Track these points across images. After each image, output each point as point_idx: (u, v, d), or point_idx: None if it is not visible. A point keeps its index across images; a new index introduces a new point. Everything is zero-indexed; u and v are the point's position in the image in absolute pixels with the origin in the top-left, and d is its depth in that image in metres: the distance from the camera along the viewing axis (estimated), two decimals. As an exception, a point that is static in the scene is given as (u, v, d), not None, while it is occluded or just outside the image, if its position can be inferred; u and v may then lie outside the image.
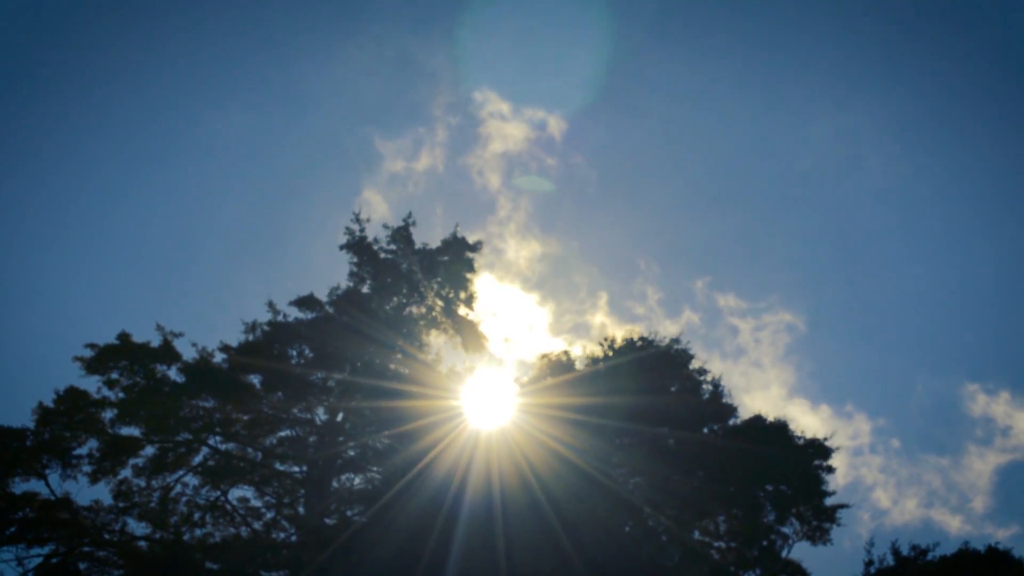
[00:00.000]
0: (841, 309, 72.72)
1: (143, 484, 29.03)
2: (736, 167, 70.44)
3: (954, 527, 58.90)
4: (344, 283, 31.97)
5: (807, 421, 63.36)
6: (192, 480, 29.63)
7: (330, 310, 30.43)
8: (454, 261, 32.34)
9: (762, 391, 66.12)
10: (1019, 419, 62.68)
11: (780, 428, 29.40)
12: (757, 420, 29.33)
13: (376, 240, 32.68)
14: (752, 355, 66.23)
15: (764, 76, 66.80)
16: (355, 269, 32.15)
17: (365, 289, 31.99)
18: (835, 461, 29.87)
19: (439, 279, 32.38)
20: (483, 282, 32.81)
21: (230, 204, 68.45)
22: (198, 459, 29.54)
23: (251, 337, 30.03)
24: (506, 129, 67.24)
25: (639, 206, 73.07)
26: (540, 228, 69.75)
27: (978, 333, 69.88)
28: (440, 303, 32.14)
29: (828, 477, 29.51)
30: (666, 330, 65.40)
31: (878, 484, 61.55)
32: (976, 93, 68.74)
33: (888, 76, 70.00)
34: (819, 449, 29.49)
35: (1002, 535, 59.79)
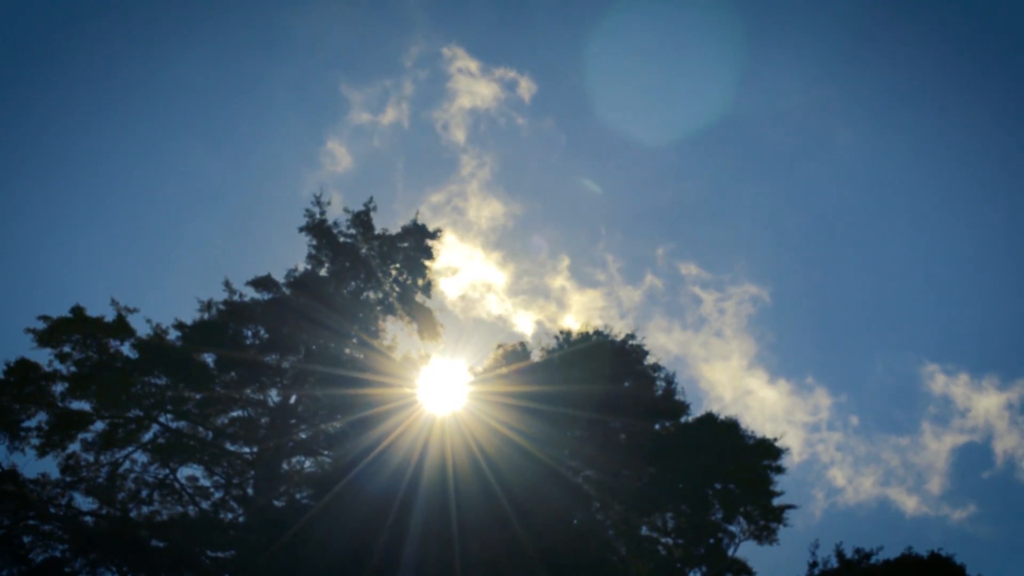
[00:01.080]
0: (807, 284, 73.79)
1: (91, 459, 29.44)
2: (705, 136, 70.89)
3: (910, 507, 60.19)
4: (302, 265, 32.46)
5: (765, 394, 64.33)
6: (141, 457, 30.13)
7: (287, 292, 30.87)
8: (413, 248, 32.89)
9: (722, 361, 67.08)
10: (977, 400, 63.99)
11: (731, 427, 30.23)
12: (709, 418, 30.13)
13: (336, 224, 33.13)
14: (714, 325, 67.23)
15: (736, 45, 67.18)
16: (313, 252, 32.58)
17: (323, 272, 32.46)
18: (790, 438, 30.74)
19: (397, 265, 32.93)
20: (443, 260, 33.39)
21: (191, 151, 67.99)
22: (148, 436, 29.93)
23: (206, 316, 30.51)
24: (475, 87, 67.60)
25: (606, 171, 73.67)
26: (504, 188, 70.27)
27: (942, 314, 71.23)
28: (397, 289, 32.67)
29: (777, 477, 30.42)
30: (627, 296, 66.21)
31: (835, 462, 62.71)
32: (947, 73, 69.74)
33: (862, 54, 70.82)
34: (769, 449, 30.36)
35: (958, 516, 61.13)
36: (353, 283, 32.62)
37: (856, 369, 71.97)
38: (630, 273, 70.53)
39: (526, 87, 69.11)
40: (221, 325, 29.97)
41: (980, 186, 71.58)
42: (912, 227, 73.39)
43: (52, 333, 29.20)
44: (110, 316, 29.61)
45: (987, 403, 64.11)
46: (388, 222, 40.40)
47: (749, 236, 73.66)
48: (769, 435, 30.50)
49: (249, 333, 30.26)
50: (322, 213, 33.06)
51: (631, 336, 30.68)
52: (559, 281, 66.04)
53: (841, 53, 70.80)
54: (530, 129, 71.29)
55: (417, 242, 33.03)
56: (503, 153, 70.95)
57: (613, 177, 74.03)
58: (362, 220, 33.00)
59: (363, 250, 32.60)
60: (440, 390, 29.79)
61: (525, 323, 62.28)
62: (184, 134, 67.83)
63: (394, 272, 32.82)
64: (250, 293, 31.05)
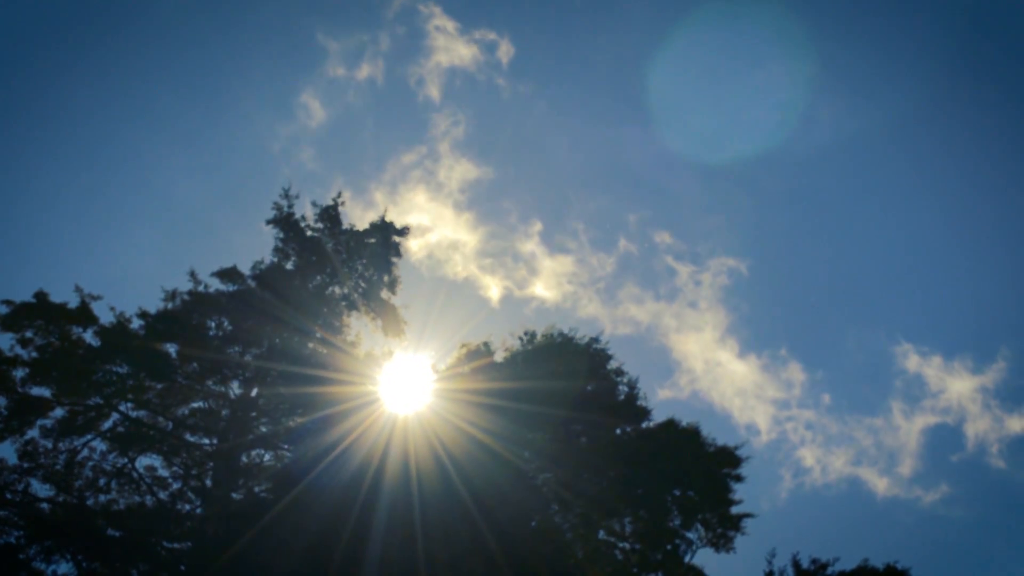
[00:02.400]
0: (785, 259, 74.64)
1: (50, 446, 29.99)
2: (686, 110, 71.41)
3: (881, 488, 61.19)
4: (268, 258, 33.04)
5: (736, 368, 65.07)
6: (100, 445, 30.70)
7: (252, 284, 31.46)
8: (380, 244, 33.56)
9: (695, 333, 67.80)
10: (950, 383, 65.00)
11: (692, 434, 31.07)
12: (670, 424, 30.94)
13: (303, 218, 33.76)
14: (689, 296, 68.01)
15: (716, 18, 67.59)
16: (280, 245, 33.13)
17: (289, 266, 32.97)
18: (759, 416, 31.56)
19: (364, 261, 33.59)
20: (412, 218, 34.05)
21: (161, 95, 67.63)
22: (108, 424, 30.48)
23: (170, 305, 31.14)
24: (453, 46, 67.96)
25: (583, 138, 74.28)
26: (478, 150, 70.78)
27: (918, 294, 72.27)
28: (363, 285, 33.30)
29: (736, 486, 31.37)
30: (599, 264, 66.81)
31: (804, 442, 63.61)
32: (930, 52, 70.62)
33: (842, 30, 71.57)
34: (729, 457, 31.27)
35: (930, 498, 62.23)
36: (319, 278, 33.08)
37: (830, 346, 73.00)
38: (602, 241, 71.19)
39: (505, 50, 69.51)
40: (185, 315, 30.54)
41: (965, 167, 72.61)
42: (895, 205, 74.37)
43: (14, 318, 29.77)
44: (74, 302, 30.29)
45: (960, 386, 65.18)
46: (361, 185, 40.70)
47: (727, 206, 74.46)
48: (737, 411, 31.39)
49: (213, 325, 30.75)
50: (290, 206, 33.58)
51: (595, 340, 31.46)
52: (529, 246, 66.68)
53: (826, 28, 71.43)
54: (508, 91, 71.71)
55: (384, 239, 33.66)
56: (478, 114, 71.33)
57: (591, 142, 74.62)
58: (330, 215, 33.52)
59: (330, 245, 33.18)
60: (403, 387, 30.52)
61: (493, 290, 62.86)
62: (157, 76, 67.50)
63: (360, 268, 33.49)
64: (215, 284, 31.58)
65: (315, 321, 30.81)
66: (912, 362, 65.94)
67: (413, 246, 34.61)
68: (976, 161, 72.48)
